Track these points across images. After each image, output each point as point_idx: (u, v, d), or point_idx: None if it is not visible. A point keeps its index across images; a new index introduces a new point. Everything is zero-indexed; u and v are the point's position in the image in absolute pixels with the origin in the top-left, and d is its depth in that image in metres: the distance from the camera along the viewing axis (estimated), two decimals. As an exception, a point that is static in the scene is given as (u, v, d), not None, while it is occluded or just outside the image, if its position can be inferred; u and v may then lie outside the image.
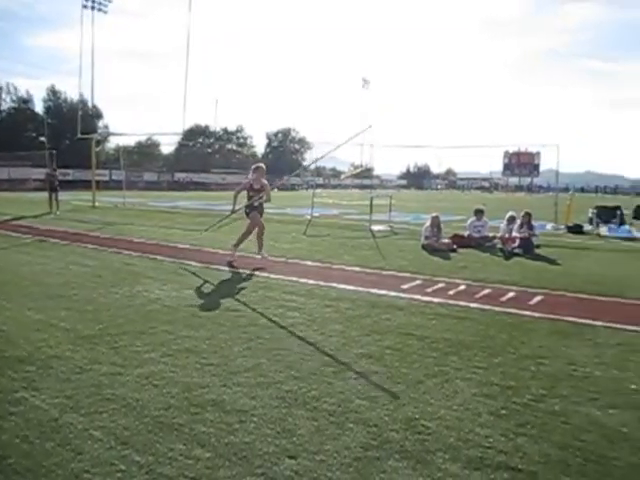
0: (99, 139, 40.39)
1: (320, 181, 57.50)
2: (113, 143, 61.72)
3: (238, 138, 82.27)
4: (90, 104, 57.64)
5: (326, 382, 4.00)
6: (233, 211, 9.68)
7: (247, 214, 9.49)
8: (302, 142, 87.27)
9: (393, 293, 7.09)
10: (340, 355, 4.60)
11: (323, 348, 4.78)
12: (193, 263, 9.06)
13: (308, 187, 58.92)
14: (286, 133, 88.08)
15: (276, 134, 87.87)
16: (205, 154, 75.25)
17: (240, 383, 3.95)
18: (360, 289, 7.31)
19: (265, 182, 9.49)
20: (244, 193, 9.58)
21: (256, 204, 9.36)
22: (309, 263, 9.40)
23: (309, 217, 17.34)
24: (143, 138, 70.42)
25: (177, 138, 69.71)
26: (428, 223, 12.14)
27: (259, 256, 9.49)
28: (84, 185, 36.05)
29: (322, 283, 7.68)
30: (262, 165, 9.81)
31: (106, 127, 62.13)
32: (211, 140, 78.57)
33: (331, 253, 10.65)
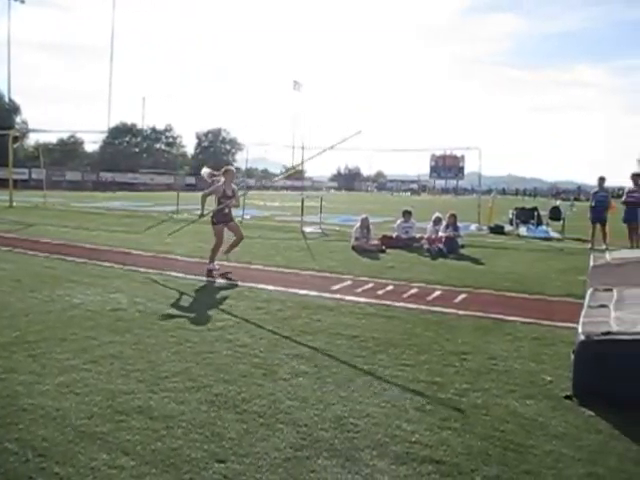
0: (17, 135, 38.16)
1: (252, 182, 57.12)
2: (33, 140, 58.49)
3: (167, 137, 79.89)
4: (7, 98, 54.64)
5: (256, 384, 3.99)
6: (202, 215, 9.12)
7: (214, 223, 8.75)
8: (233, 143, 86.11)
9: (323, 294, 7.15)
10: (270, 356, 4.60)
11: (253, 350, 4.75)
12: (118, 266, 8.76)
13: (239, 188, 58.33)
14: (216, 133, 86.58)
15: (206, 134, 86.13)
16: (132, 153, 72.79)
17: (168, 388, 3.86)
18: (291, 290, 7.32)
19: (235, 187, 9.04)
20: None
21: (227, 210, 8.72)
22: (239, 265, 9.31)
23: (240, 219, 17.18)
24: (65, 135, 67.38)
25: (102, 136, 67.15)
26: (358, 224, 12.35)
27: (224, 261, 8.87)
28: (0, 184, 34.02)
29: (252, 285, 7.64)
30: (232, 168, 9.44)
31: (25, 123, 58.87)
32: (138, 139, 76.11)
33: (262, 255, 10.60)
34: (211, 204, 8.87)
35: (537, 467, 2.98)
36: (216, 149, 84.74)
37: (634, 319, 4.09)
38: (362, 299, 6.90)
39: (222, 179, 8.83)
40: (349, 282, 8.03)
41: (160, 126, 78.90)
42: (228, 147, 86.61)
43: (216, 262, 8.74)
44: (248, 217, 18.68)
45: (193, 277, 8.08)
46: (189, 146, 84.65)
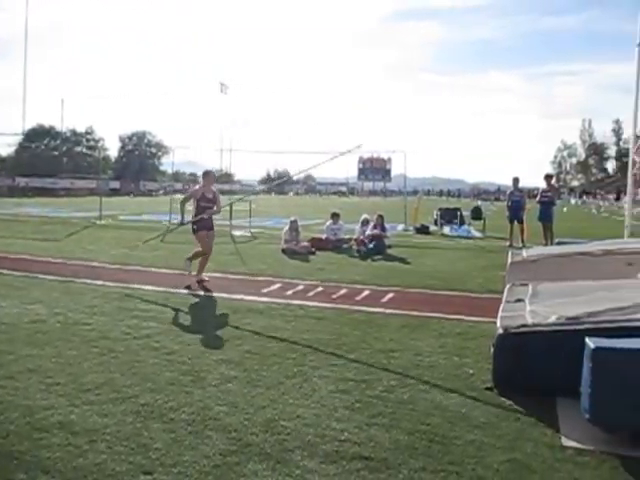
0: None
1: (179, 186, 55.97)
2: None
3: (88, 140, 76.75)
4: None
5: (184, 392, 3.91)
6: (182, 223, 8.56)
7: (194, 231, 8.16)
8: (159, 146, 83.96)
9: (253, 297, 7.12)
10: (199, 363, 4.53)
11: (181, 357, 4.66)
12: (36, 276, 8.33)
13: (166, 192, 56.96)
14: (141, 136, 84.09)
15: (130, 137, 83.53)
16: (51, 157, 69.41)
17: (90, 401, 3.72)
18: (221, 295, 7.24)
19: (215, 190, 8.55)
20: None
21: (206, 216, 8.18)
22: (167, 271, 9.11)
23: (167, 224, 16.79)
24: (-24, 139, 63.38)
25: (17, 139, 63.66)
26: (287, 227, 12.38)
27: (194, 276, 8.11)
28: None
29: (181, 290, 7.49)
30: (212, 171, 9.14)
31: None
32: (57, 142, 72.68)
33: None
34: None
35: (460, 457, 3.10)
36: (141, 152, 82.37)
37: (547, 312, 4.33)
38: (292, 301, 6.92)
39: (202, 182, 8.59)
40: (279, 285, 8.03)
41: (80, 128, 75.76)
42: (154, 150, 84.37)
43: (204, 273, 8.24)
44: (176, 221, 18.24)
45: (117, 285, 7.81)
46: (112, 149, 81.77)
